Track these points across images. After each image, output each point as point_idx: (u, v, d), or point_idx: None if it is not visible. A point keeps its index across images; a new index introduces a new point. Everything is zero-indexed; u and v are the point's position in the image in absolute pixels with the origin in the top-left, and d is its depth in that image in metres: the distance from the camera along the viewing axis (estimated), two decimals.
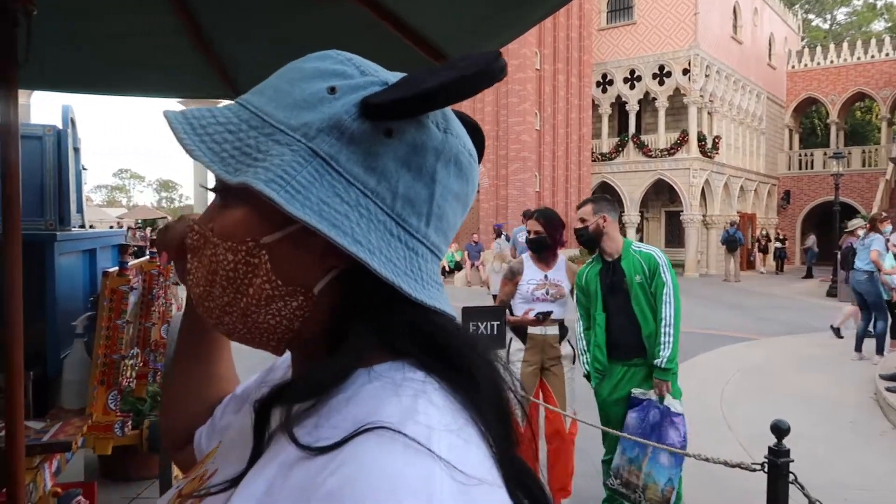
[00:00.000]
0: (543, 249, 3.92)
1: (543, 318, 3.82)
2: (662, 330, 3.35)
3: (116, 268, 2.83)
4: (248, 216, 0.55)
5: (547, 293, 3.87)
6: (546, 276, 3.90)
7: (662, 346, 3.34)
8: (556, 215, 4.01)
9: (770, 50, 31.93)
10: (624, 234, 3.76)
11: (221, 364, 0.87)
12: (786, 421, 2.48)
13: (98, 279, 3.13)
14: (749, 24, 29.15)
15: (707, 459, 2.82)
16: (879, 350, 8.39)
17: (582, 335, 3.75)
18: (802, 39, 39.75)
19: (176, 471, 2.47)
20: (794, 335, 10.65)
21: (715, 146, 25.47)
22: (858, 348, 8.61)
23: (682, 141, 24.46)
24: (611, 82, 26.63)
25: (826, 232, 25.37)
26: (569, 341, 3.94)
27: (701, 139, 24.68)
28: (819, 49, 33.16)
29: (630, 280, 3.44)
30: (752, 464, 2.54)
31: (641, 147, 25.39)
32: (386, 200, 0.54)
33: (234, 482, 0.52)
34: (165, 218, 36.79)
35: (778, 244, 26.42)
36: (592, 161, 25.94)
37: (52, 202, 2.95)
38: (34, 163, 2.89)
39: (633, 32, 25.95)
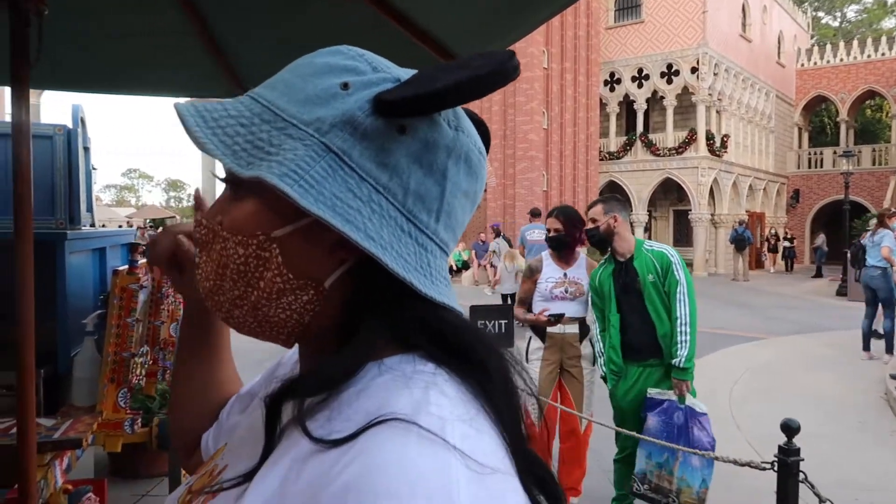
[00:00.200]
0: (563, 247, 3.88)
1: (556, 319, 3.78)
2: (678, 329, 3.31)
3: (126, 266, 2.84)
4: (260, 210, 0.55)
5: (566, 291, 3.83)
6: (565, 275, 3.86)
7: (679, 346, 3.30)
8: (577, 213, 3.96)
9: (779, 48, 31.75)
10: (631, 233, 3.72)
11: (223, 367, 0.87)
12: (796, 420, 2.46)
13: (108, 278, 3.15)
14: (758, 22, 29.00)
15: (716, 458, 2.82)
16: (889, 349, 8.35)
17: (598, 337, 3.71)
18: (812, 37, 39.51)
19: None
20: (804, 335, 10.60)
21: (723, 145, 25.36)
22: (867, 347, 8.57)
23: (690, 140, 24.37)
24: (618, 81, 26.56)
25: (836, 231, 25.23)
26: (590, 340, 3.89)
27: (709, 138, 24.57)
28: (829, 47, 32.96)
29: (643, 279, 3.41)
30: (762, 462, 2.53)
31: (649, 146, 25.31)
32: (397, 196, 0.54)
33: (248, 477, 0.52)
34: (174, 217, 36.97)
35: (787, 243, 26.28)
36: (600, 160, 25.88)
37: (62, 201, 2.96)
38: (45, 162, 2.91)
39: (640, 31, 25.87)
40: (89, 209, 3.41)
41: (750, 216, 26.24)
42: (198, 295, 0.77)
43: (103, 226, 5.06)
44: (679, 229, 27.59)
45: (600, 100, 25.91)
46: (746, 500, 4.00)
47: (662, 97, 25.46)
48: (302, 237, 0.55)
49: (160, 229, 0.83)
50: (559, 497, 0.55)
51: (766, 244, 27.04)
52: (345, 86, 0.54)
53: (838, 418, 5.93)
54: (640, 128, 26.06)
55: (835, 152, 29.89)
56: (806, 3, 46.42)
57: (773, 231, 27.18)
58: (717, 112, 25.99)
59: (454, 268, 19.34)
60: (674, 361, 3.31)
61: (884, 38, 31.60)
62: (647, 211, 25.95)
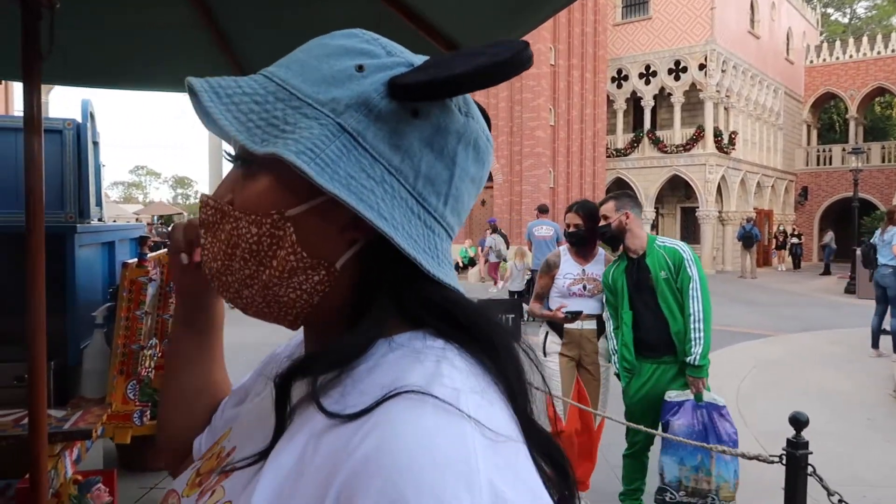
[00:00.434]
0: (583, 243, 3.82)
1: (573, 317, 3.73)
2: (692, 326, 3.27)
3: (135, 259, 2.86)
4: (273, 187, 0.55)
5: (584, 288, 3.77)
6: (584, 271, 3.80)
7: (693, 343, 3.26)
8: (596, 207, 3.86)
9: (788, 44, 31.56)
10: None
11: (216, 368, 0.84)
12: (804, 413, 2.45)
13: (117, 271, 3.17)
14: (766, 19, 28.83)
15: (723, 452, 2.82)
16: None
17: (612, 334, 3.67)
18: (821, 34, 39.26)
19: None
20: (812, 332, 10.55)
21: (731, 142, 25.24)
22: (875, 345, 8.53)
23: (697, 137, 24.26)
24: (626, 78, 26.46)
25: (844, 228, 25.12)
26: (606, 337, 3.83)
27: (717, 135, 24.46)
28: (838, 43, 32.74)
29: (655, 276, 3.37)
30: (771, 456, 2.53)
31: (657, 143, 25.21)
32: (409, 179, 0.55)
33: (263, 455, 0.53)
34: (181, 214, 37.09)
35: (794, 240, 26.15)
36: (607, 157, 25.80)
37: (71, 195, 2.99)
38: (54, 156, 2.93)
39: (648, 27, 25.76)
40: (98, 203, 3.44)
41: (758, 213, 26.11)
42: (196, 290, 0.77)
43: (114, 221, 5.08)
44: (686, 226, 27.49)
45: (607, 96, 25.82)
46: (754, 496, 3.99)
47: (670, 94, 25.35)
48: (315, 216, 0.55)
49: (172, 227, 0.80)
50: (566, 470, 0.56)
51: (774, 241, 26.91)
52: (360, 68, 0.55)
53: (846, 415, 5.91)
54: (647, 125, 25.96)
55: (844, 149, 29.71)
56: (815, 0, 46.12)
57: (781, 228, 27.05)
58: (725, 109, 25.87)
59: (461, 264, 19.33)
60: (688, 359, 3.27)
61: (893, 35, 31.33)
62: (655, 208, 25.87)
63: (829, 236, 25.09)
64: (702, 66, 24.37)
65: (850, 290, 16.57)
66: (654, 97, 25.91)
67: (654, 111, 26.37)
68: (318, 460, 0.47)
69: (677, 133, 24.97)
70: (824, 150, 32.48)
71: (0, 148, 2.89)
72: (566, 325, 3.78)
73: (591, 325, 3.80)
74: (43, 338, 1.80)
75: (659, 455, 3.36)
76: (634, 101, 26.98)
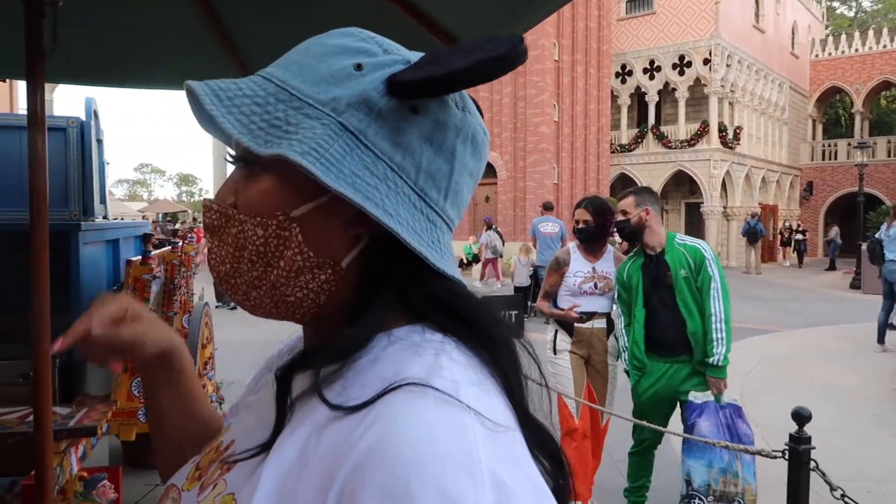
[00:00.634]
0: (593, 240, 3.74)
1: (588, 318, 3.67)
2: (714, 326, 3.21)
3: (139, 257, 2.87)
4: (278, 188, 0.56)
5: (595, 286, 3.69)
6: (594, 269, 3.72)
7: (716, 343, 3.20)
8: (606, 203, 3.83)
9: (793, 39, 31.41)
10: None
11: (200, 409, 0.82)
12: (807, 408, 2.44)
13: (121, 268, 3.18)
14: (771, 13, 28.70)
15: (726, 446, 2.81)
16: None
17: (623, 331, 3.61)
18: (827, 28, 39.05)
19: None
20: (817, 327, 10.52)
21: (736, 137, 25.15)
22: (881, 340, 8.50)
23: (702, 132, 24.19)
24: (630, 73, 26.38)
25: (850, 223, 24.99)
26: (615, 335, 3.77)
27: (722, 130, 24.38)
28: (844, 37, 32.54)
29: (675, 274, 3.31)
30: (773, 451, 2.52)
31: (661, 138, 25.15)
32: (410, 175, 0.56)
33: (265, 447, 0.53)
34: (186, 212, 37.15)
35: (798, 236, 26.05)
36: (611, 153, 25.73)
37: (76, 193, 3.00)
38: (58, 154, 2.94)
39: (652, 22, 25.66)
40: (102, 201, 3.45)
41: (763, 209, 26.03)
42: (147, 365, 0.77)
43: (120, 219, 5.10)
44: (691, 222, 27.41)
45: (611, 92, 25.74)
46: (759, 492, 3.99)
47: (674, 89, 25.27)
48: (320, 215, 0.56)
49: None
50: (562, 460, 0.57)
51: (779, 237, 26.82)
52: (358, 67, 0.56)
53: (851, 411, 5.90)
54: (651, 120, 25.90)
55: (849, 144, 29.56)
56: None
57: (787, 224, 26.95)
58: (730, 104, 25.77)
59: (464, 261, 19.31)
60: (711, 360, 3.21)
61: None
62: (659, 204, 25.79)
63: (835, 231, 24.99)
64: (706, 61, 24.27)
65: (856, 285, 16.52)
66: (659, 92, 25.83)
67: (658, 106, 26.29)
68: (321, 452, 0.48)
69: (682, 128, 24.90)
70: (830, 145, 32.34)
71: (5, 146, 2.90)
72: (577, 324, 3.71)
73: (602, 323, 3.74)
74: (47, 335, 1.81)
75: (682, 460, 3.26)
76: (638, 97, 26.91)
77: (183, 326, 3.47)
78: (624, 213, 3.49)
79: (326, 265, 0.56)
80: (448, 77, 0.53)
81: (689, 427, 3.22)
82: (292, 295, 0.57)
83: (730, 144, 24.70)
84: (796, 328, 10.50)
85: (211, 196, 0.71)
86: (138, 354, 0.76)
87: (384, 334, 0.55)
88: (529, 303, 10.75)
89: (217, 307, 10.77)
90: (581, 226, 3.75)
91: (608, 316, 3.75)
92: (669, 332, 3.35)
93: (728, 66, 24.77)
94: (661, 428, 3.30)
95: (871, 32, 31.78)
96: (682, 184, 26.43)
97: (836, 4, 52.34)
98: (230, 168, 0.61)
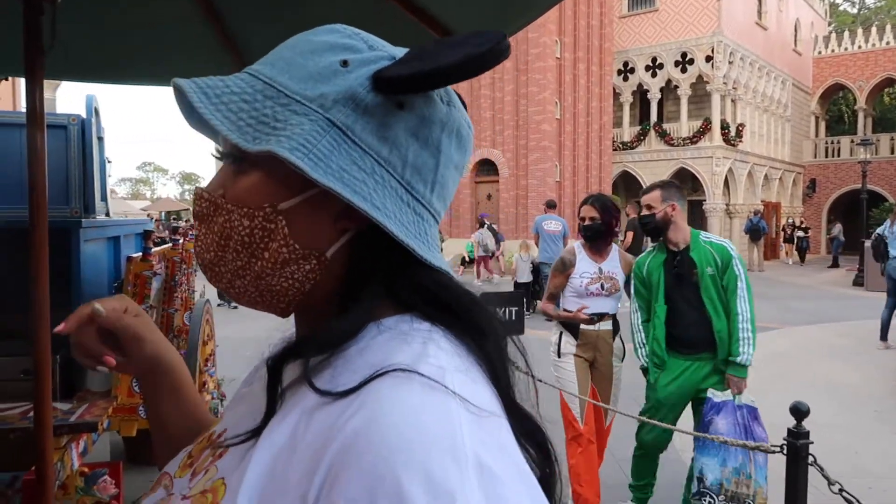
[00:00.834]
0: (599, 238, 3.62)
1: (599, 319, 3.58)
2: (741, 326, 3.18)
3: (140, 254, 2.88)
4: (266, 182, 0.57)
5: (602, 287, 3.57)
6: (601, 269, 3.60)
7: (743, 343, 3.17)
8: (612, 201, 3.73)
9: (796, 35, 31.31)
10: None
11: (197, 409, 0.84)
12: (805, 403, 2.44)
13: (122, 266, 3.19)
14: (774, 10, 28.61)
15: (725, 441, 2.81)
16: None
17: (640, 327, 3.54)
18: (830, 24, 38.90)
19: None
20: (820, 324, 10.51)
21: (738, 134, 25.09)
22: (884, 337, 8.49)
23: (704, 129, 24.13)
24: (632, 70, 26.33)
25: (853, 220, 24.93)
26: (620, 338, 3.70)
27: (724, 127, 24.32)
28: (847, 34, 32.42)
29: (701, 272, 3.25)
30: (772, 446, 2.52)
31: (663, 136, 25.09)
32: (397, 169, 0.57)
33: (255, 433, 0.54)
34: (188, 210, 37.17)
35: (800, 233, 25.98)
36: (613, 150, 25.69)
37: (76, 190, 3.00)
38: (59, 151, 2.95)
39: (654, 19, 25.60)
40: (104, 198, 3.45)
41: (765, 206, 25.96)
42: (143, 366, 0.79)
43: (124, 217, 5.12)
44: (693, 219, 27.29)
45: (614, 89, 25.69)
46: None
47: (677, 86, 25.21)
48: (307, 208, 0.57)
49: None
50: (548, 449, 0.58)
51: (782, 234, 26.76)
52: (344, 63, 0.57)
53: (853, 408, 5.89)
54: (653, 117, 25.85)
55: (852, 141, 29.45)
56: None
57: (789, 221, 26.89)
58: (732, 101, 25.71)
59: (466, 258, 19.31)
60: (738, 359, 3.18)
61: None
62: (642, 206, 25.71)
63: (838, 229, 24.92)
64: (709, 58, 24.22)
65: (859, 282, 16.49)
66: (661, 90, 25.77)
67: (660, 104, 26.24)
68: (309, 436, 0.49)
69: (684, 126, 24.85)
70: (832, 142, 32.23)
71: (7, 143, 2.91)
72: (583, 326, 3.60)
73: (608, 325, 3.64)
74: (47, 331, 1.82)
75: (695, 456, 3.22)
76: (641, 94, 26.86)
77: (184, 323, 3.48)
78: (649, 207, 3.42)
79: (311, 256, 0.57)
80: (433, 73, 0.54)
81: (705, 424, 3.17)
82: (277, 285, 0.58)
83: (732, 142, 24.65)
84: (798, 325, 10.48)
85: None
86: (136, 350, 0.78)
87: (374, 324, 0.56)
88: (533, 301, 10.77)
89: (219, 305, 10.80)
90: (587, 223, 3.64)
91: (614, 317, 3.68)
92: (692, 329, 3.30)
93: (730, 63, 24.71)
94: (669, 426, 3.24)
95: (874, 29, 31.65)
96: (685, 181, 26.32)
97: (839, 1, 52.19)
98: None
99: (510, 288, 11.41)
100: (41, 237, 1.81)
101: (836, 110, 37.60)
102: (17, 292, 2.44)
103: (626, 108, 26.54)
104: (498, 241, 17.11)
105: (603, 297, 3.59)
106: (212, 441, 0.64)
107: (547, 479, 0.56)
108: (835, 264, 23.34)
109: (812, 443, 2.39)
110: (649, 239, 3.73)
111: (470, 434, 0.46)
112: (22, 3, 1.74)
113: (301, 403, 0.52)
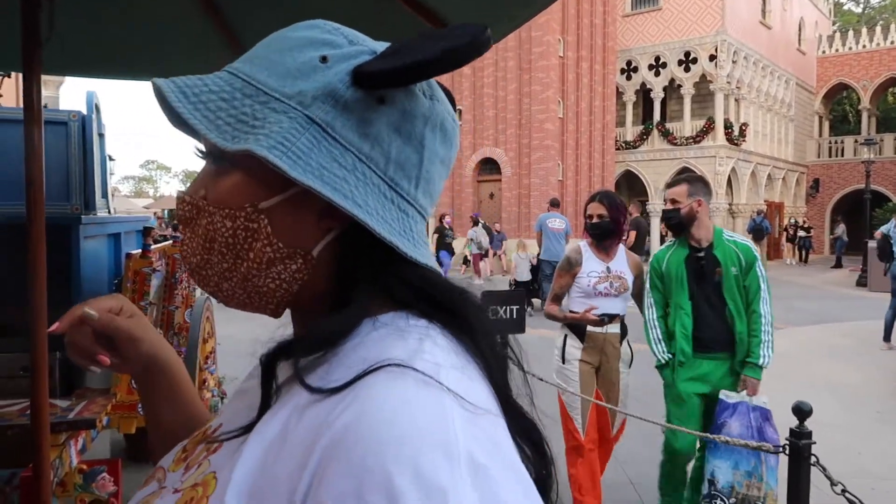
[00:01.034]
0: (607, 236, 3.48)
1: (609, 320, 3.42)
2: (763, 328, 3.13)
3: (139, 250, 2.87)
4: (246, 182, 0.56)
5: (611, 286, 3.42)
6: (608, 269, 3.46)
7: (764, 344, 3.12)
8: (620, 198, 3.63)
9: (800, 35, 31.24)
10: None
11: (195, 405, 0.84)
12: (808, 402, 2.42)
13: (122, 263, 3.18)
14: (778, 9, 28.55)
15: (727, 441, 2.80)
16: None
17: (656, 322, 3.39)
18: (834, 24, 38.82)
19: None
20: (822, 325, 10.48)
21: (742, 133, 25.05)
22: (887, 338, 8.46)
23: (707, 128, 24.09)
24: (635, 69, 26.29)
25: (856, 220, 24.88)
26: (628, 343, 3.54)
27: (727, 126, 24.28)
28: (851, 33, 32.35)
29: (725, 270, 3.18)
30: (774, 446, 2.51)
31: (666, 135, 25.06)
32: (379, 165, 0.56)
33: (248, 429, 0.54)
34: None
35: (803, 233, 25.93)
36: (616, 149, 25.66)
37: (77, 187, 3.00)
38: (60, 148, 2.94)
39: (658, 18, 25.56)
40: (104, 195, 3.45)
41: (768, 206, 25.91)
42: (139, 366, 0.78)
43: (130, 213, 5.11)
44: None
45: (616, 88, 25.66)
46: None
47: (680, 85, 25.17)
48: (289, 207, 0.56)
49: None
50: (544, 449, 0.57)
51: (785, 234, 26.71)
52: (324, 59, 0.56)
53: (855, 408, 5.87)
54: (656, 116, 25.81)
55: (856, 141, 29.40)
56: None
57: (792, 221, 26.83)
58: (736, 100, 25.66)
59: (468, 256, 19.30)
60: (759, 361, 3.13)
61: None
62: (664, 200, 25.71)
63: (841, 229, 24.87)
64: (712, 57, 24.17)
65: (862, 282, 16.45)
66: (664, 89, 25.74)
67: (663, 103, 26.20)
68: (300, 431, 0.48)
69: (687, 125, 24.81)
70: (836, 142, 32.15)
71: (7, 139, 2.90)
72: (589, 328, 3.43)
73: (616, 328, 3.46)
74: (44, 328, 1.81)
75: (707, 458, 3.14)
76: (644, 93, 26.82)
77: (184, 320, 3.47)
78: (674, 201, 3.33)
79: (297, 255, 0.57)
80: (412, 67, 0.53)
81: (718, 426, 3.09)
82: (265, 286, 0.58)
83: (735, 141, 24.60)
84: (801, 325, 10.46)
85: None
86: (131, 350, 0.77)
87: (369, 320, 0.55)
88: (531, 300, 10.76)
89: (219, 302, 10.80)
90: (595, 220, 3.49)
91: (622, 320, 3.51)
92: (710, 329, 3.22)
93: (734, 62, 24.66)
94: (696, 433, 3.14)
95: (878, 28, 31.57)
96: None
97: (843, 0, 52.04)
98: None
99: (506, 286, 11.43)
100: (38, 233, 1.81)
101: (839, 110, 37.52)
102: (17, 288, 2.43)
103: (630, 108, 26.51)
104: (493, 239, 17.12)
105: (612, 296, 3.44)
106: (207, 436, 0.63)
107: (543, 479, 0.56)
108: (838, 264, 23.29)
109: (815, 443, 2.38)
110: (657, 236, 3.66)
111: (464, 431, 0.45)
112: None
113: (294, 399, 0.51)
